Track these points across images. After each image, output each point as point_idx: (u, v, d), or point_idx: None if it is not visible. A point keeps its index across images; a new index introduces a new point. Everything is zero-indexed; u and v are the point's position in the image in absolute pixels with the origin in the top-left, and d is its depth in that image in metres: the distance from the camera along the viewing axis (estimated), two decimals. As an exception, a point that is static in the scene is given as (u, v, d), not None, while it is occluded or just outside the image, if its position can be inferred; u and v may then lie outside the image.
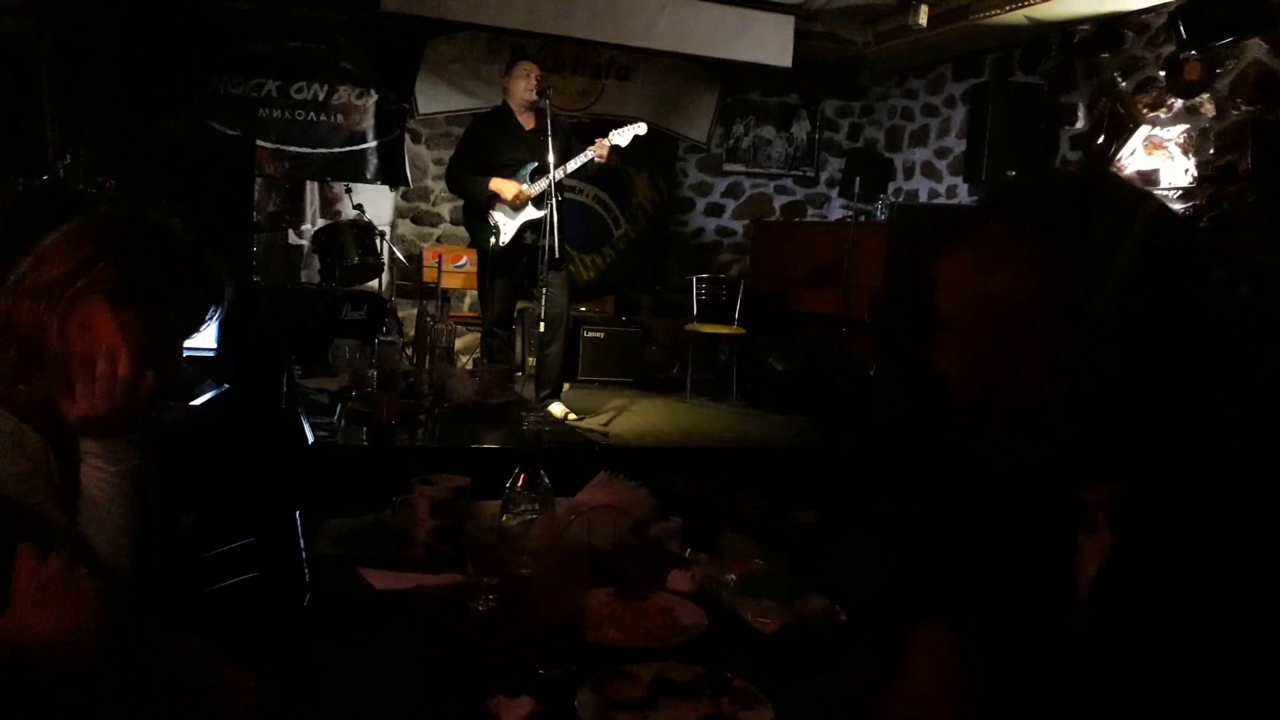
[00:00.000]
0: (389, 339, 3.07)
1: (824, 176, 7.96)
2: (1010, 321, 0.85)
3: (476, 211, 5.15)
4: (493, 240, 5.06)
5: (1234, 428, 0.81)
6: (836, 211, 7.87)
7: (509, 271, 5.15)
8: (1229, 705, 0.74)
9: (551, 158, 4.79)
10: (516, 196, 4.98)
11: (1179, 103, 5.20)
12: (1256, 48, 4.74)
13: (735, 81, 7.39)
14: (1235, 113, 4.90)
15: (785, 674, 1.28)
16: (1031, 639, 0.97)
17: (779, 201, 7.89)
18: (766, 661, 1.32)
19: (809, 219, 7.89)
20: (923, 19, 5.34)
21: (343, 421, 2.84)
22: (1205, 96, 5.04)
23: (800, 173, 7.89)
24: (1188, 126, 5.15)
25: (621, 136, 5.05)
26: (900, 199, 7.34)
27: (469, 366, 4.55)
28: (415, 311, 5.26)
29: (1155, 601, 0.78)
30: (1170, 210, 0.91)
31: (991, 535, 1.10)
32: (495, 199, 5.02)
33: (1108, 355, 0.83)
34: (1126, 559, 0.83)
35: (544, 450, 1.77)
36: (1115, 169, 5.47)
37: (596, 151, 5.00)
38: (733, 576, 1.54)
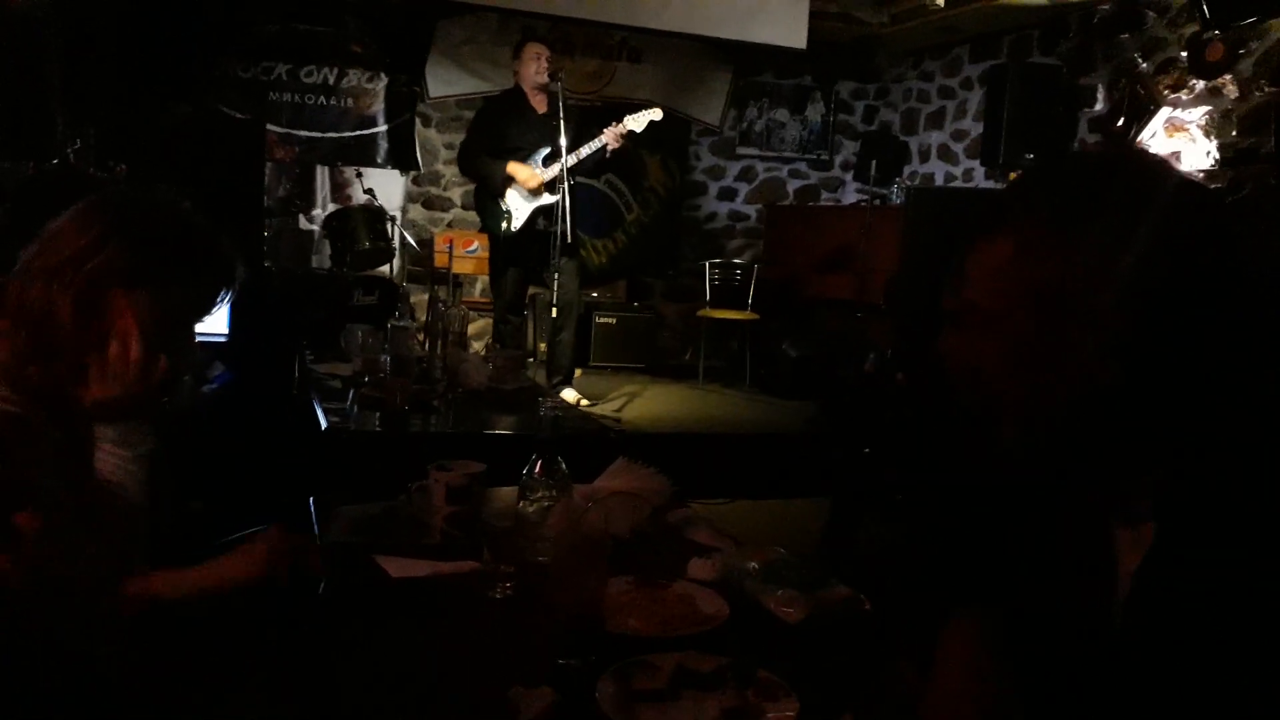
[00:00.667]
0: (402, 324, 3.05)
1: (838, 160, 7.89)
2: (1061, 308, 0.81)
3: (488, 194, 5.11)
4: (504, 225, 5.03)
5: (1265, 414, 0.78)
6: (851, 195, 7.80)
7: (521, 257, 5.12)
8: (1271, 698, 0.71)
9: (564, 141, 4.75)
10: (533, 183, 4.94)
11: (1201, 84, 5.12)
12: (1281, 27, 4.66)
13: (748, 63, 7.32)
14: (1259, 94, 4.82)
15: (809, 664, 1.25)
16: (1065, 633, 0.94)
17: (793, 185, 7.82)
18: (790, 652, 1.29)
19: (823, 203, 7.83)
20: (940, -1, 5.28)
21: (355, 407, 2.82)
22: (1228, 78, 4.96)
23: (814, 156, 7.82)
24: (1209, 108, 5.07)
25: (636, 122, 4.99)
26: (916, 183, 7.27)
27: (481, 352, 4.53)
28: (426, 297, 5.24)
29: (1198, 591, 0.75)
30: (1203, 187, 0.88)
31: (1024, 527, 1.07)
32: (510, 182, 4.98)
33: (1155, 339, 0.79)
34: (1171, 547, 0.80)
35: (560, 436, 1.74)
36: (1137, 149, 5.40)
37: (611, 136, 4.95)
38: (755, 564, 1.51)
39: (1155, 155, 0.81)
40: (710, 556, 1.59)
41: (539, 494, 1.59)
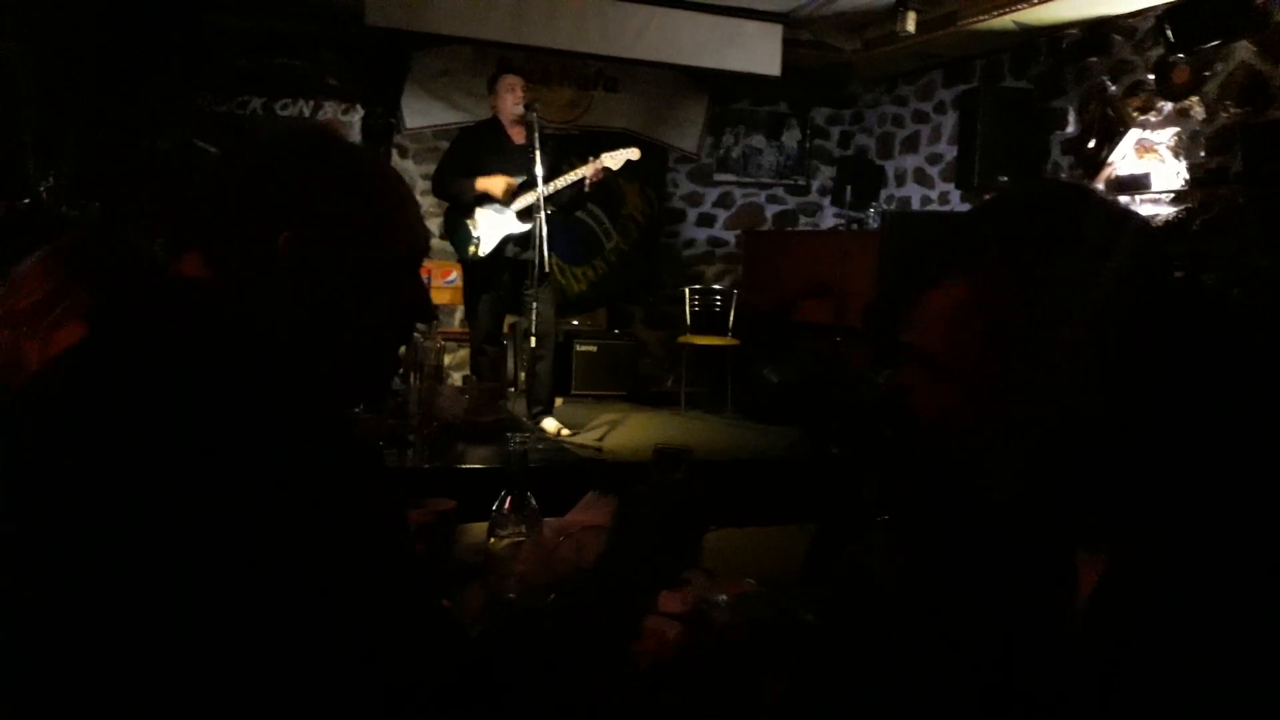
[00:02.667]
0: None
1: (815, 185, 7.95)
2: (1024, 348, 0.81)
3: (458, 217, 5.11)
4: (471, 249, 5.03)
5: (1234, 439, 0.78)
6: (829, 220, 7.85)
7: (494, 285, 5.12)
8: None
9: (539, 171, 4.76)
10: (507, 188, 4.93)
11: (1168, 106, 5.19)
12: (1244, 50, 4.73)
13: (724, 91, 7.37)
14: (1225, 115, 4.89)
15: (769, 695, 1.25)
16: (1025, 659, 0.94)
17: (771, 211, 7.87)
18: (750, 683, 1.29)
19: (801, 228, 7.87)
20: (910, 26, 5.33)
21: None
22: (1194, 99, 5.03)
23: (791, 181, 7.87)
24: (1178, 129, 5.14)
25: (613, 160, 5.02)
26: (893, 206, 7.33)
27: (459, 384, 4.51)
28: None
29: (1148, 622, 0.75)
30: (1148, 224, 0.89)
31: (989, 554, 1.07)
32: (484, 199, 4.99)
33: (1126, 371, 0.80)
34: (1123, 576, 0.80)
35: (532, 470, 1.74)
36: (1105, 174, 5.46)
37: (588, 172, 4.97)
38: (724, 597, 1.51)
39: (1087, 187, 0.82)
40: (680, 589, 1.58)
41: (509, 530, 1.59)
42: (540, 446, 4.73)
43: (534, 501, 1.62)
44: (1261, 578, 0.70)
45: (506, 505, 1.59)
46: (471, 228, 5.03)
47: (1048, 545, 0.93)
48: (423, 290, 1.07)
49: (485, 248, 5.02)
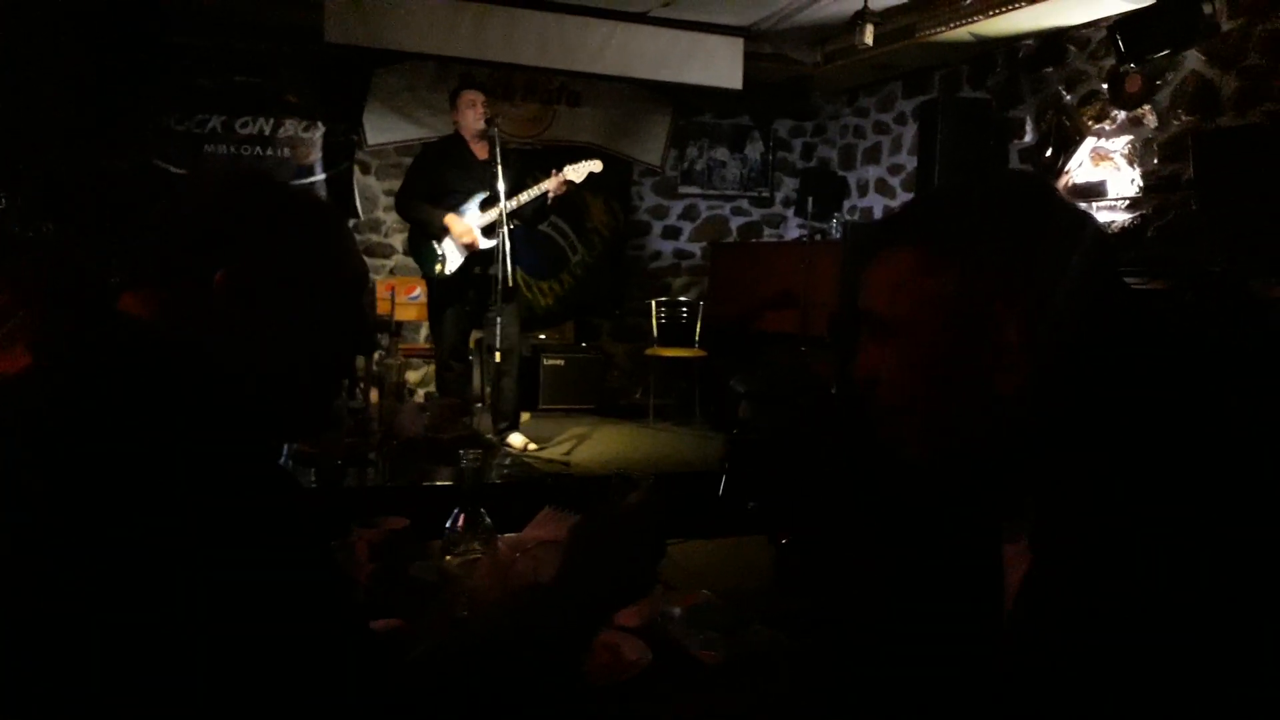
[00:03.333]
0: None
1: (779, 196, 8.00)
2: (961, 321, 0.84)
3: (424, 237, 5.10)
4: (438, 268, 5.02)
5: (1174, 439, 0.80)
6: (793, 231, 7.91)
7: (458, 301, 5.11)
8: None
9: (502, 186, 4.77)
10: (467, 238, 4.93)
11: (1122, 114, 5.28)
12: (1194, 59, 4.83)
13: (687, 104, 7.42)
14: (1176, 123, 4.98)
15: (726, 707, 1.26)
16: (953, 646, 0.96)
17: (735, 222, 7.91)
18: (709, 695, 1.29)
19: (766, 239, 7.92)
20: (869, 38, 5.38)
21: (290, 464, 2.78)
22: (1147, 108, 5.12)
23: (755, 193, 7.92)
24: (1131, 138, 5.22)
25: (576, 173, 5.03)
26: (855, 217, 7.39)
27: (421, 400, 4.49)
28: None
29: (1070, 617, 0.76)
30: (1100, 226, 0.91)
31: (919, 538, 1.09)
32: (447, 231, 4.99)
33: (1053, 357, 0.82)
34: (1046, 568, 0.81)
35: (493, 487, 1.73)
36: (1063, 182, 5.54)
37: (550, 185, 4.98)
38: (678, 609, 1.52)
39: (1048, 182, 0.86)
40: (636, 602, 1.58)
41: (463, 548, 1.58)
42: (506, 463, 4.72)
43: (487, 518, 1.61)
44: (1178, 567, 0.71)
45: (460, 522, 1.58)
46: (436, 247, 5.02)
47: (965, 522, 0.95)
48: (363, 320, 1.09)
49: (451, 266, 5.01)
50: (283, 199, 1.02)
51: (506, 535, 1.75)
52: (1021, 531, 0.85)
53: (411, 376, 5.89)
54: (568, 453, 5.40)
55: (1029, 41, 5.86)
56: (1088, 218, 0.90)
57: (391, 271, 6.85)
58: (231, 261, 0.94)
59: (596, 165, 5.12)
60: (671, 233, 7.74)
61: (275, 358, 0.97)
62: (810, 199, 6.87)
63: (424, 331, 6.63)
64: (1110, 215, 5.25)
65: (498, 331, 4.89)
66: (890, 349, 0.89)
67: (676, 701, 1.25)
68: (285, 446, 2.87)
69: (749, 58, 6.42)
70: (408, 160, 6.39)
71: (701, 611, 1.50)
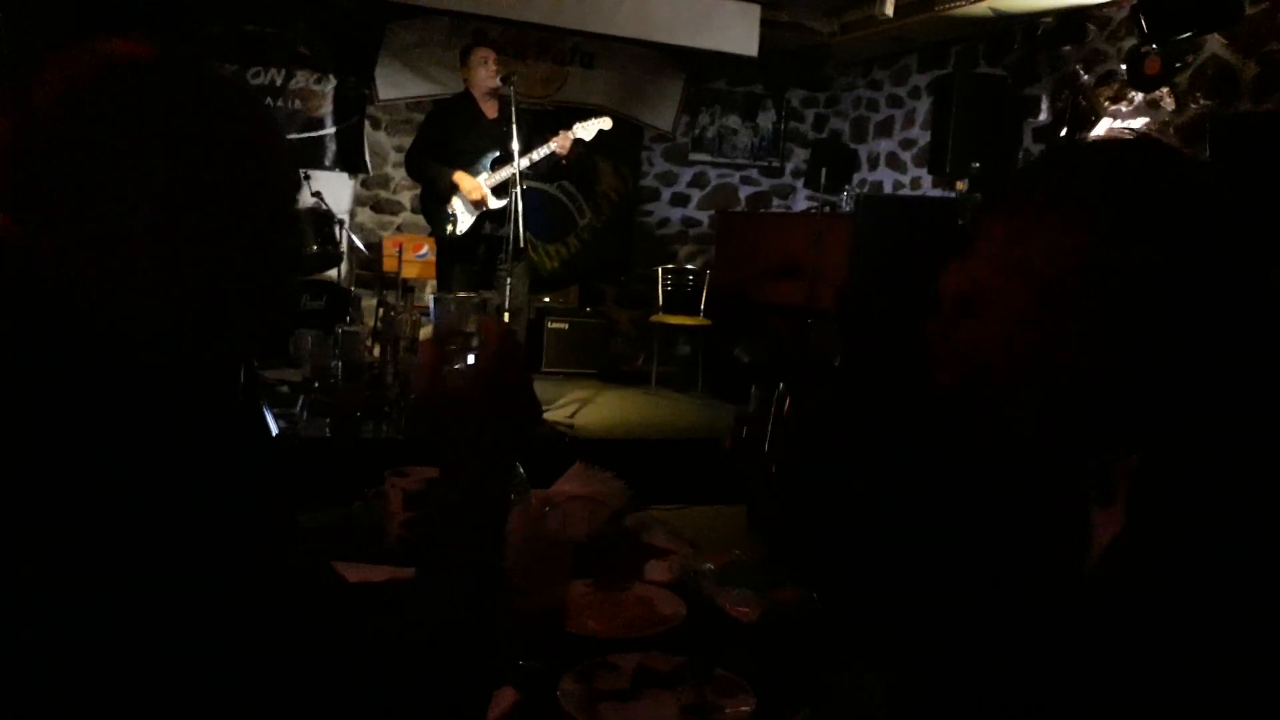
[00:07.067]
0: (353, 329, 3.02)
1: (789, 167, 7.97)
2: (1049, 289, 0.84)
3: (435, 197, 5.09)
4: (449, 228, 5.01)
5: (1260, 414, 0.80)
6: (802, 202, 7.89)
7: (468, 260, 5.10)
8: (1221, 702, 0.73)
9: (516, 146, 4.74)
10: (476, 194, 4.93)
11: (1139, 96, 5.26)
12: (1215, 43, 4.81)
13: (701, 70, 7.37)
14: (1194, 106, 4.96)
15: (765, 662, 1.27)
16: (1034, 605, 0.97)
17: (745, 192, 7.89)
18: (746, 650, 1.31)
19: (775, 209, 7.90)
20: (889, 9, 5.36)
21: (305, 413, 2.79)
22: (1165, 90, 5.10)
23: (766, 163, 7.89)
24: (1148, 120, 5.21)
25: (585, 130, 5.02)
26: (865, 190, 7.37)
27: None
28: (374, 302, 5.19)
29: (1162, 579, 0.77)
30: (1213, 174, 0.89)
31: (999, 507, 1.10)
32: (456, 189, 4.97)
33: (1136, 327, 0.82)
34: (1140, 532, 0.82)
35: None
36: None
37: (558, 144, 4.96)
38: (710, 566, 1.53)
39: (1165, 145, 0.83)
40: (667, 559, 1.60)
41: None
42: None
43: (522, 471, 1.62)
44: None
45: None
46: (449, 208, 5.01)
47: (1062, 487, 0.96)
48: (295, 235, 0.97)
49: (462, 226, 5.00)
50: (178, 80, 0.82)
51: (535, 489, 1.75)
52: (1114, 498, 0.86)
53: (425, 332, 5.88)
54: (571, 415, 5.41)
55: (1048, 19, 5.82)
56: (1198, 190, 0.86)
57: (399, 228, 6.83)
58: (159, 170, 0.76)
59: (606, 123, 5.10)
60: (680, 200, 7.72)
61: (149, 277, 0.77)
62: (822, 171, 6.85)
63: (429, 289, 6.62)
64: (1123, 197, 5.24)
65: (507, 291, 4.88)
66: (984, 320, 0.90)
67: (714, 656, 1.26)
68: (300, 397, 2.88)
69: (765, 25, 6.38)
70: (418, 116, 6.36)
71: (734, 569, 1.51)
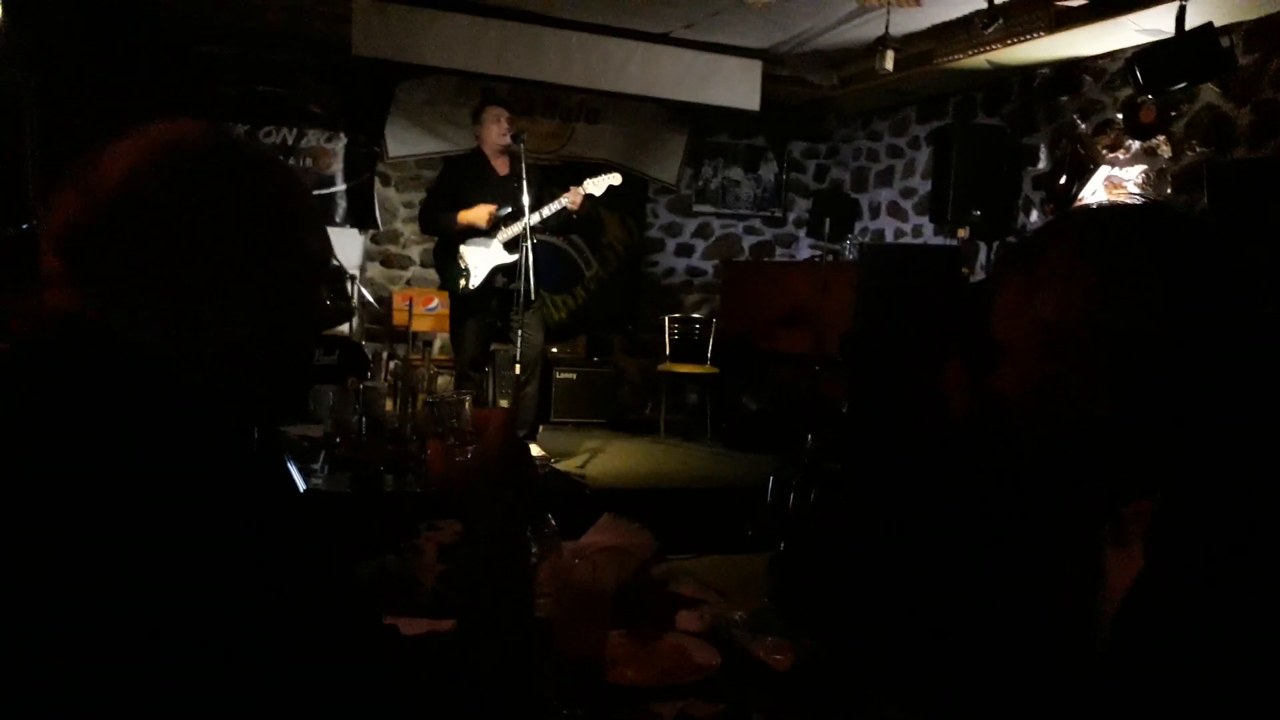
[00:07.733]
0: (373, 385, 3.07)
1: (791, 217, 8.08)
2: (1059, 343, 0.90)
3: (446, 252, 5.17)
4: (462, 282, 5.09)
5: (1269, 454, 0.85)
6: (804, 251, 7.98)
7: (481, 313, 5.17)
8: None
9: (526, 200, 4.83)
10: (490, 216, 5.00)
11: (1136, 144, 5.36)
12: (1210, 92, 4.91)
13: (704, 124, 7.50)
14: (1190, 154, 5.06)
15: (799, 708, 1.30)
16: (1047, 641, 1.01)
17: (748, 241, 7.99)
18: (781, 697, 1.34)
19: (778, 258, 7.99)
20: (889, 64, 5.46)
21: (327, 468, 2.83)
22: (1161, 138, 5.20)
23: (768, 213, 8.00)
24: (1145, 167, 5.30)
25: (596, 186, 5.11)
26: (867, 238, 7.46)
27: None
28: (385, 355, 5.24)
29: (1184, 617, 0.80)
30: (1216, 238, 0.93)
31: (1012, 545, 1.15)
32: (468, 233, 5.05)
33: (1142, 377, 0.87)
34: (1159, 572, 0.86)
35: (543, 494, 1.78)
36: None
37: (570, 199, 5.06)
38: (741, 614, 1.56)
39: (1170, 209, 0.88)
40: (697, 608, 1.63)
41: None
42: (544, 471, 4.76)
43: (553, 522, 1.66)
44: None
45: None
46: (461, 262, 5.09)
47: (1077, 529, 1.00)
48: (320, 306, 1.03)
49: (475, 280, 5.08)
50: (227, 162, 0.90)
51: (565, 542, 1.79)
52: (1129, 538, 0.90)
53: (443, 382, 5.93)
54: (582, 466, 5.44)
55: (1045, 70, 5.95)
56: (1203, 248, 0.91)
57: (409, 282, 6.91)
58: (161, 240, 0.82)
59: (616, 178, 5.19)
60: (685, 250, 7.81)
61: (212, 343, 0.85)
62: (826, 220, 6.94)
63: (439, 342, 6.68)
64: (1124, 243, 5.31)
65: (518, 342, 4.94)
66: (1006, 369, 0.95)
67: (751, 703, 1.29)
68: (322, 452, 2.93)
69: (767, 79, 6.51)
70: (428, 172, 6.47)
71: (764, 617, 1.55)
